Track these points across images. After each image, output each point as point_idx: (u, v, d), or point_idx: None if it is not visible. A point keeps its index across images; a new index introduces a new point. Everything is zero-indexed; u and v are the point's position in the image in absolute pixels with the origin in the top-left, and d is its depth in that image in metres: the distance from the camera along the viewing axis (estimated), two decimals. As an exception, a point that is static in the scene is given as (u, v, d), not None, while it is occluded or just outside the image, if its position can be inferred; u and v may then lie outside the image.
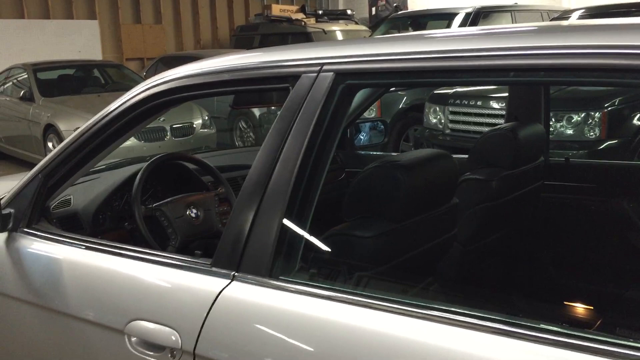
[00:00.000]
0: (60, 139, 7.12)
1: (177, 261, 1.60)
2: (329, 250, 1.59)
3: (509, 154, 2.23)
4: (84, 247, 1.80)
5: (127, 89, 8.77)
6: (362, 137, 3.52)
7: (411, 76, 1.38)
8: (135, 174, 2.32)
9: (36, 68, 8.39)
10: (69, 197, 2.28)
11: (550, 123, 5.21)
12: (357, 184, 1.71)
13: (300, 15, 12.51)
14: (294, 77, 1.53)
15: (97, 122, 1.87)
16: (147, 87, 1.81)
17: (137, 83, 9.20)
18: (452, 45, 1.32)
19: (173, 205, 2.25)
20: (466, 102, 5.82)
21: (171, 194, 2.51)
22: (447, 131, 6.00)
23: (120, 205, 2.39)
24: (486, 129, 5.67)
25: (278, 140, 1.49)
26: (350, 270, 1.54)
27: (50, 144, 7.40)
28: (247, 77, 1.63)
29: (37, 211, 1.96)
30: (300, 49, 1.61)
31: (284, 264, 1.44)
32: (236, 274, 1.46)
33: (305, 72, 1.51)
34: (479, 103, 5.72)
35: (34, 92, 7.94)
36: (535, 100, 2.57)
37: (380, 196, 1.63)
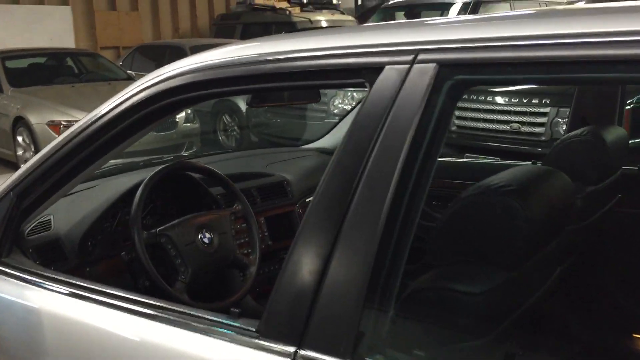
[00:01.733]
0: (31, 133, 6.56)
1: (204, 323, 1.16)
2: (424, 313, 1.15)
3: (593, 165, 1.82)
4: (67, 292, 1.35)
5: (104, 79, 8.21)
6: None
7: (567, 69, 0.94)
8: (131, 189, 1.85)
9: (4, 56, 7.76)
10: (48, 218, 1.81)
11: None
12: (450, 218, 1.26)
13: (284, 4, 12.03)
14: (373, 70, 1.09)
15: (85, 128, 1.42)
16: (151, 83, 1.36)
17: (113, 73, 8.69)
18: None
19: (181, 228, 1.79)
20: (474, 97, 5.42)
21: (174, 210, 2.05)
22: (454, 128, 5.60)
23: (113, 227, 1.92)
24: (497, 126, 5.30)
25: (357, 155, 1.05)
26: (455, 340, 1.11)
27: (20, 138, 6.82)
28: (298, 70, 1.18)
29: (8, 240, 1.51)
30: (379, 30, 1.17)
31: (373, 335, 1.00)
32: (299, 351, 1.03)
33: (390, 63, 1.07)
34: (489, 98, 5.34)
35: (2, 82, 7.33)
36: (609, 99, 2.17)
37: (488, 234, 1.20)
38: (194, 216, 1.86)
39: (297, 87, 1.52)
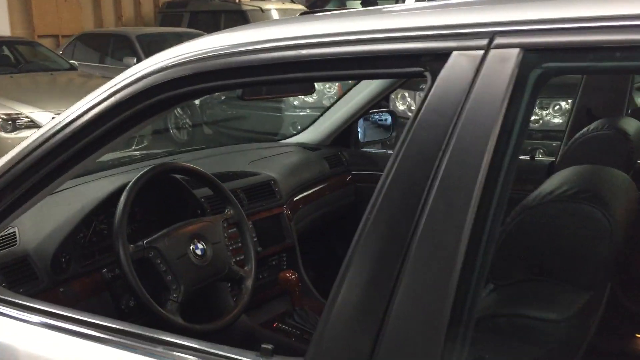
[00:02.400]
0: (-34, 127, 6.06)
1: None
2: (497, 344, 0.98)
3: (619, 159, 1.70)
4: (39, 322, 1.13)
5: (45, 69, 7.71)
6: (364, 132, 2.91)
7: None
8: (111, 196, 1.62)
9: None
10: (12, 231, 1.55)
11: (537, 111, 4.84)
12: (515, 230, 1.09)
13: (233, -8, 11.69)
14: (436, 56, 0.91)
15: (55, 133, 1.18)
16: (129, 80, 1.15)
17: (55, 63, 8.18)
18: None
19: (171, 239, 1.57)
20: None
21: (156, 217, 1.82)
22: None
23: (87, 238, 1.67)
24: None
25: (424, 161, 0.87)
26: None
27: (-46, 134, 6.30)
28: (338, 57, 0.99)
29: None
30: (443, 10, 0.99)
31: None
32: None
33: (459, 48, 0.89)
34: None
35: None
36: (619, 90, 2.06)
37: (565, 247, 1.04)
38: (185, 224, 1.64)
39: (326, 78, 1.32)
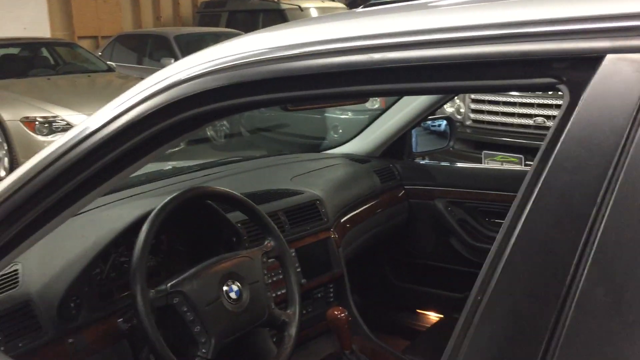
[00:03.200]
0: (3, 130, 5.97)
1: None
2: None
3: None
4: None
5: (82, 70, 7.58)
6: (417, 141, 2.61)
7: None
8: (130, 227, 1.36)
9: (-26, 47, 7.16)
10: (15, 269, 1.31)
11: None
12: None
13: (272, -10, 11.48)
14: (579, 61, 0.62)
15: (67, 151, 0.93)
16: (155, 89, 0.89)
17: (93, 64, 8.07)
18: None
19: (200, 281, 1.31)
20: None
21: (186, 248, 1.56)
22: (468, 122, 5.14)
23: (104, 275, 1.42)
24: (518, 120, 4.85)
25: (583, 194, 0.58)
26: None
27: (-8, 138, 6.23)
28: (425, 63, 0.70)
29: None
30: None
31: None
32: None
33: (617, 49, 0.60)
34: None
35: (-29, 76, 6.73)
36: None
37: None
38: (217, 262, 1.37)
39: (407, 91, 1.03)
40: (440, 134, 2.82)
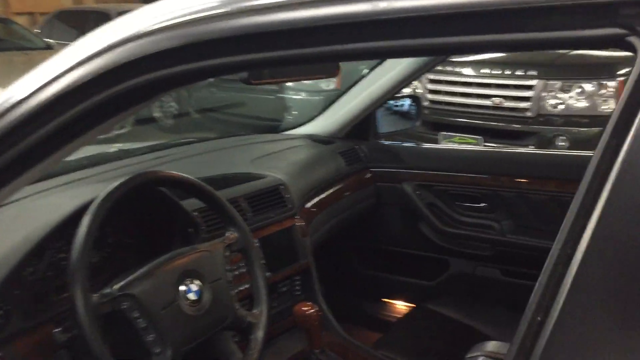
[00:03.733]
0: None
1: None
2: None
3: None
4: None
5: (19, 48, 7.22)
6: (383, 122, 2.46)
7: None
8: (70, 218, 1.16)
9: None
10: None
11: (558, 95, 4.41)
12: None
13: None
14: None
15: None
16: (113, 41, 0.71)
17: (30, 42, 7.60)
18: None
19: (153, 282, 1.12)
20: (449, 68, 4.86)
21: (135, 241, 1.37)
22: (426, 103, 5.03)
23: (39, 274, 1.22)
24: (475, 100, 4.77)
25: None
26: None
27: None
28: (446, 12, 0.54)
29: None
30: None
31: None
32: None
33: None
34: (465, 69, 4.79)
35: None
36: None
37: None
38: (172, 257, 1.19)
39: (420, 51, 0.87)
40: (405, 114, 2.69)
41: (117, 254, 1.37)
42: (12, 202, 1.29)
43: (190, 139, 2.22)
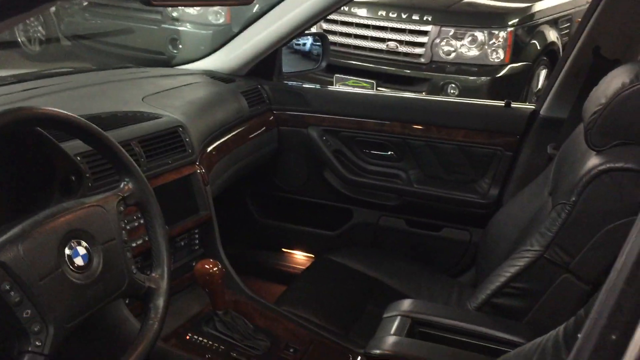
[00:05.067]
0: None
1: None
2: None
3: None
4: None
5: None
6: (289, 61, 2.29)
7: None
8: None
9: None
10: None
11: (451, 42, 4.42)
12: None
13: None
14: None
15: None
16: None
17: None
18: None
19: (28, 245, 0.90)
20: (346, 10, 4.71)
21: (5, 196, 1.12)
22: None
23: None
24: (370, 43, 4.68)
25: None
26: None
27: None
28: None
29: None
30: None
31: None
32: None
33: None
34: (363, 10, 4.67)
35: None
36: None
37: None
38: (53, 214, 0.97)
39: None
40: (309, 54, 2.53)
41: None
42: None
43: (67, 69, 1.91)
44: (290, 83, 2.20)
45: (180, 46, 5.23)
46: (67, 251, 0.95)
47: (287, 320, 1.54)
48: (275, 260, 2.20)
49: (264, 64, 2.10)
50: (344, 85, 4.61)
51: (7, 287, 0.86)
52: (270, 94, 2.10)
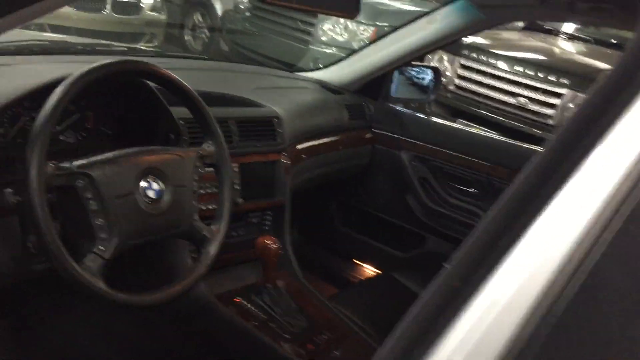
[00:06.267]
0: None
1: None
2: None
3: None
4: None
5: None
6: (399, 86, 2.41)
7: None
8: (51, 85, 1.13)
9: None
10: None
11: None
12: None
13: None
14: None
15: None
16: None
17: None
18: None
19: (114, 168, 1.11)
20: (483, 57, 4.77)
21: (109, 132, 1.35)
22: (451, 87, 4.95)
23: (9, 136, 1.21)
24: (501, 95, 4.69)
25: None
26: None
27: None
28: None
29: None
30: None
31: None
32: None
33: None
34: (499, 62, 4.69)
35: None
36: None
37: None
38: (140, 152, 1.17)
39: None
40: (422, 85, 2.64)
41: (94, 140, 1.36)
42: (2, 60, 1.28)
43: (202, 56, 2.18)
44: (394, 106, 2.33)
45: (320, 65, 5.55)
46: (143, 183, 1.15)
47: (329, 311, 1.65)
48: (340, 267, 2.31)
49: (374, 84, 2.25)
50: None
51: (89, 196, 1.07)
52: (373, 112, 2.24)
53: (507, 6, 1.72)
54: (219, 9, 6.92)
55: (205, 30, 7.21)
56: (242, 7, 6.52)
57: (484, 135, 2.42)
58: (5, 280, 1.18)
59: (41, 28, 4.13)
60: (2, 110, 1.14)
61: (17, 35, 1.62)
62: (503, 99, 4.64)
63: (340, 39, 5.69)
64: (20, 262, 1.16)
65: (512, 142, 2.62)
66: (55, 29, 4.61)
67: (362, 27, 5.70)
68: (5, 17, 0.74)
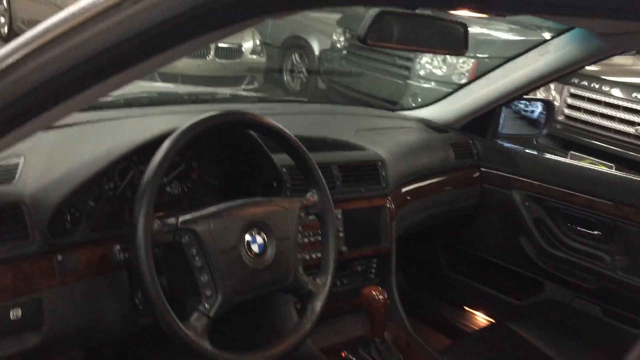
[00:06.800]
0: None
1: None
2: None
3: None
4: None
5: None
6: (506, 121, 2.27)
7: None
8: (158, 139, 1.13)
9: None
10: (16, 162, 1.12)
11: None
12: None
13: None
14: None
15: (85, 20, 0.68)
16: None
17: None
18: None
19: (217, 223, 1.08)
20: (595, 85, 4.48)
21: (217, 181, 1.34)
22: (560, 117, 4.68)
23: (119, 190, 1.22)
24: (617, 125, 4.38)
25: None
26: None
27: None
28: None
29: None
30: None
31: None
32: None
33: None
34: (614, 89, 4.39)
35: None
36: None
37: None
38: (244, 204, 1.14)
39: None
40: (532, 119, 2.49)
41: (198, 191, 1.35)
42: (103, 121, 1.31)
43: (301, 99, 2.17)
44: (503, 143, 2.20)
45: (419, 100, 5.46)
46: (247, 237, 1.11)
47: None
48: (451, 315, 2.18)
49: (480, 121, 2.14)
50: (577, 164, 4.37)
51: (194, 252, 1.04)
52: (481, 150, 2.12)
53: (631, 33, 1.57)
54: (316, 49, 7.04)
55: (304, 70, 7.36)
56: (339, 46, 6.58)
57: (605, 172, 2.22)
58: (115, 335, 1.17)
59: (152, 77, 4.35)
60: (113, 165, 1.15)
61: (129, 86, 1.68)
62: (620, 128, 4.32)
63: (439, 72, 5.58)
64: (128, 317, 1.15)
65: (637, 178, 2.39)
66: (164, 76, 4.85)
67: (461, 60, 5.56)
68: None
